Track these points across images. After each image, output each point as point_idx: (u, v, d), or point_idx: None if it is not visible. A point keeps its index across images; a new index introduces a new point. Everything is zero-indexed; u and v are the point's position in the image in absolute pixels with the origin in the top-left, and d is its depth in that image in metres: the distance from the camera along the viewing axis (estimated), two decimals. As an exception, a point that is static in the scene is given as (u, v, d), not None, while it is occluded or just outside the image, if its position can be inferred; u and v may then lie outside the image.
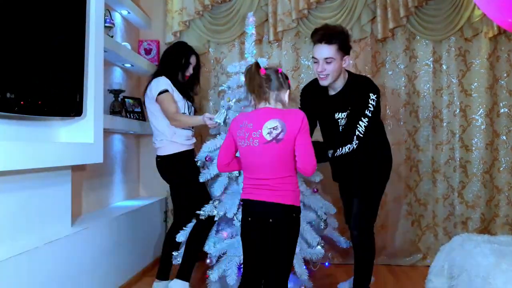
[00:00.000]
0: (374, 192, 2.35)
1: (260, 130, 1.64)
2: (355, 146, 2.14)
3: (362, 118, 2.14)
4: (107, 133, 2.73)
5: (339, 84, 2.24)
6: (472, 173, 3.21)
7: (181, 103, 2.53)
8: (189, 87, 2.67)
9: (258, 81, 1.68)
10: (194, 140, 2.61)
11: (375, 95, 2.17)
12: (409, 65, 3.23)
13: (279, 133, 1.61)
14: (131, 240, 2.67)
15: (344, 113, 2.25)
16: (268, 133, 1.62)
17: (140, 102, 3.17)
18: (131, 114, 2.98)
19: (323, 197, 2.69)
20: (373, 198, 2.35)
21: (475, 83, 3.21)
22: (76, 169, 2.32)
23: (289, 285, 2.45)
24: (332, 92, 2.28)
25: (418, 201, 3.25)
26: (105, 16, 2.38)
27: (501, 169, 3.21)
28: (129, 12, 3.06)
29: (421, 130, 3.24)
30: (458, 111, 3.21)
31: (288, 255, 1.71)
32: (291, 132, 1.62)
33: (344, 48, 2.16)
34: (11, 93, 1.55)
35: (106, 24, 2.53)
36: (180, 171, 2.51)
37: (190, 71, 2.62)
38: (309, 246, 2.38)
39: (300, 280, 2.39)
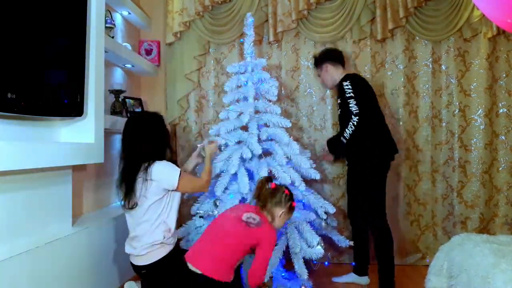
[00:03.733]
0: (366, 192, 2.61)
1: (243, 212, 1.89)
2: (355, 123, 2.50)
3: (348, 101, 2.54)
4: (108, 133, 2.73)
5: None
6: (471, 173, 3.22)
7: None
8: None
9: (265, 192, 1.98)
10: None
11: (347, 82, 2.58)
12: (409, 66, 3.24)
13: (253, 223, 1.85)
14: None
15: (339, 99, 2.74)
16: (247, 217, 1.86)
17: (140, 102, 3.18)
18: (132, 114, 2.99)
19: (323, 197, 2.70)
20: (369, 197, 2.61)
21: (474, 83, 3.21)
22: (77, 169, 2.33)
23: (289, 285, 2.48)
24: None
25: (417, 201, 3.25)
26: (105, 16, 2.39)
27: (500, 169, 3.22)
28: (129, 13, 3.07)
29: (420, 130, 3.24)
30: (457, 111, 3.22)
31: None
32: (257, 233, 1.84)
33: (320, 62, 2.85)
34: (12, 94, 1.55)
35: (107, 25, 2.54)
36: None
37: None
38: (309, 246, 2.39)
39: (300, 279, 2.40)
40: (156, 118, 2.11)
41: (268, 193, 1.96)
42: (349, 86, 2.56)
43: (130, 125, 2.07)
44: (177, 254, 2.03)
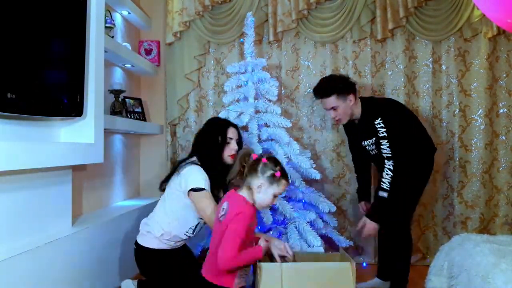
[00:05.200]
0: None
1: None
2: (391, 167, 2.25)
3: (381, 141, 2.28)
4: (108, 133, 2.73)
5: (357, 114, 2.44)
6: (471, 173, 3.22)
7: None
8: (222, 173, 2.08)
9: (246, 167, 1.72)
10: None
11: (379, 118, 2.28)
12: (409, 66, 3.24)
13: (223, 215, 1.68)
14: (131, 240, 2.66)
15: (369, 141, 2.42)
16: (220, 215, 1.71)
17: (140, 102, 3.18)
18: (132, 114, 2.99)
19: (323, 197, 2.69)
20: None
21: (475, 83, 3.21)
22: (77, 169, 2.33)
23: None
24: (356, 122, 2.49)
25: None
26: (105, 16, 2.39)
27: (501, 169, 3.21)
28: (129, 13, 3.07)
29: (420, 130, 3.24)
30: (457, 111, 3.22)
31: None
32: (229, 217, 1.64)
33: (344, 92, 2.36)
34: (12, 93, 1.55)
35: (107, 25, 2.54)
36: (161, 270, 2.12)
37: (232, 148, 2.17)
38: (309, 246, 2.39)
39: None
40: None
41: (248, 166, 1.70)
42: (383, 125, 2.29)
43: (205, 124, 2.29)
44: (174, 257, 2.13)
